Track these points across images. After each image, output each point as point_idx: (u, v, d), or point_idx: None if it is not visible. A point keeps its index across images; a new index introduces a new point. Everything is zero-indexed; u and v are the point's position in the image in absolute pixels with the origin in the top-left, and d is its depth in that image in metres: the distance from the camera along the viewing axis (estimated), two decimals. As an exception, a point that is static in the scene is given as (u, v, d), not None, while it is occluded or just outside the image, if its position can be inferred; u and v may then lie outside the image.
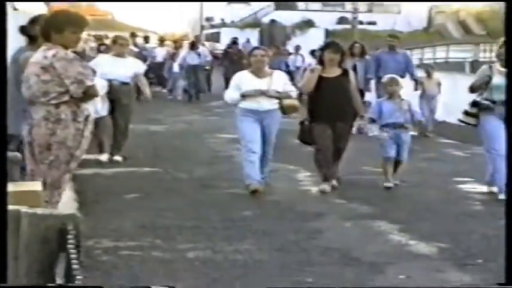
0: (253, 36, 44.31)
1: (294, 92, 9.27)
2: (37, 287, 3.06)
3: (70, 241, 3.11)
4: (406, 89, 10.82)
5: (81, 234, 3.27)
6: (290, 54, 27.51)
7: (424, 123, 14.27)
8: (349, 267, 6.13)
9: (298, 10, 53.78)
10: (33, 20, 7.33)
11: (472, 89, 9.10)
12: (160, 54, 25.37)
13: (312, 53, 28.73)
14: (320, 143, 9.24)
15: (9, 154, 4.83)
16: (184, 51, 23.64)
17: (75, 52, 6.24)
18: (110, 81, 10.64)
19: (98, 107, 10.42)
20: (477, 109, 8.99)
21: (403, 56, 15.73)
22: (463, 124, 9.43)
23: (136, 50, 21.03)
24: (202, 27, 53.12)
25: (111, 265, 6.01)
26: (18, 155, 5.81)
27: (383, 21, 51.92)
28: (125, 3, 52.63)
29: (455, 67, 26.13)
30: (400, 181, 9.64)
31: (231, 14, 53.50)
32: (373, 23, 51.74)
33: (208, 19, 55.20)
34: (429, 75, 16.26)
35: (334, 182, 9.37)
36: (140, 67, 11.64)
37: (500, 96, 8.38)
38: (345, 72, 9.45)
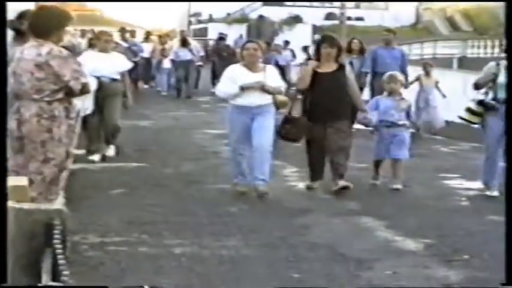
0: (240, 32, 44.33)
1: (283, 88, 9.04)
2: (38, 287, 3.05)
3: (56, 236, 3.11)
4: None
5: (68, 229, 3.27)
6: (283, 49, 27.40)
7: (419, 122, 14.15)
8: (336, 263, 6.14)
9: (286, 6, 53.83)
10: (21, 15, 7.31)
11: (477, 86, 8.90)
12: (146, 49, 25.28)
13: (305, 49, 28.77)
14: (313, 141, 8.99)
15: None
16: (176, 47, 23.55)
17: (66, 48, 6.25)
18: (98, 78, 10.51)
19: (86, 105, 10.33)
20: (482, 108, 8.79)
21: (399, 52, 15.41)
22: (459, 121, 9.25)
23: (126, 45, 20.91)
24: (190, 23, 53.08)
25: (97, 260, 5.99)
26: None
27: (370, 17, 52.10)
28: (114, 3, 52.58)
29: (443, 63, 26.21)
30: (404, 184, 9.34)
31: (219, 10, 53.45)
32: (361, 19, 51.88)
33: (196, 14, 55.16)
34: (427, 73, 15.92)
35: (343, 182, 8.85)
36: (125, 64, 11.34)
37: (504, 95, 8.29)
38: (341, 67, 9.17)
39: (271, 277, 5.72)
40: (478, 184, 9.27)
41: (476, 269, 6.00)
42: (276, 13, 51.17)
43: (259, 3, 53.88)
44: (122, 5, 69.86)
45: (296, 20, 52.24)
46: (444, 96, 15.48)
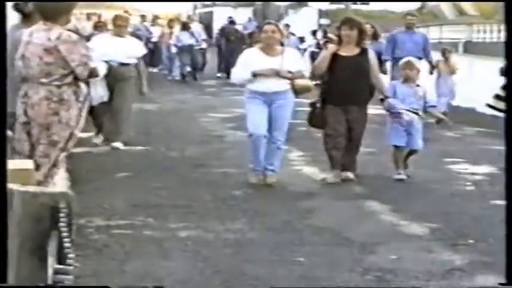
0: (246, 15, 44.16)
1: (306, 72, 8.67)
2: (39, 287, 3.06)
3: (62, 219, 3.12)
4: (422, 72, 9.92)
5: (73, 212, 3.28)
6: (293, 35, 27.09)
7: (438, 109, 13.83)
8: (341, 247, 6.15)
9: (292, -11, 53.55)
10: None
11: (503, 72, 8.71)
12: (155, 33, 25.27)
13: (314, 33, 28.54)
14: (331, 127, 8.61)
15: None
16: (177, 31, 23.55)
17: (75, 32, 6.26)
18: (107, 62, 10.10)
19: (101, 92, 10.11)
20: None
21: (421, 37, 14.47)
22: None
23: (131, 30, 20.90)
24: (195, 7, 52.91)
25: (102, 243, 6.02)
26: (11, 133, 5.80)
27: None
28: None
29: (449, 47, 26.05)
30: (411, 173, 9.04)
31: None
32: (366, 3, 51.66)
33: (201, -2, 54.93)
34: (447, 59, 15.28)
35: (349, 175, 8.74)
36: (140, 50, 11.05)
37: None
38: (364, 52, 8.78)
39: (275, 261, 5.73)
40: (483, 169, 9.25)
41: (481, 253, 6.00)
42: (281, -4, 50.93)
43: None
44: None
45: (301, 4, 52.03)
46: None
